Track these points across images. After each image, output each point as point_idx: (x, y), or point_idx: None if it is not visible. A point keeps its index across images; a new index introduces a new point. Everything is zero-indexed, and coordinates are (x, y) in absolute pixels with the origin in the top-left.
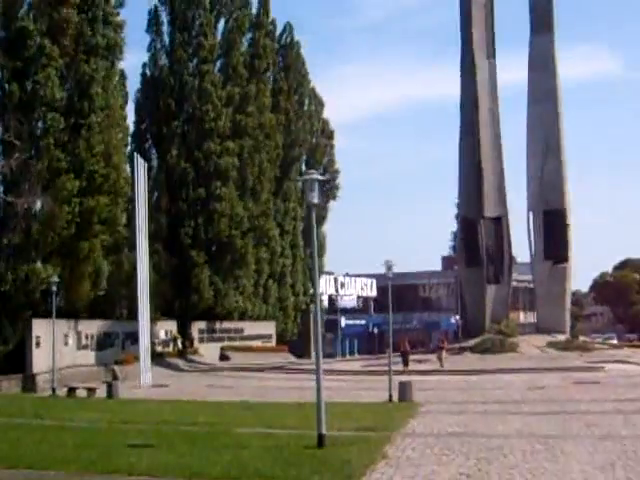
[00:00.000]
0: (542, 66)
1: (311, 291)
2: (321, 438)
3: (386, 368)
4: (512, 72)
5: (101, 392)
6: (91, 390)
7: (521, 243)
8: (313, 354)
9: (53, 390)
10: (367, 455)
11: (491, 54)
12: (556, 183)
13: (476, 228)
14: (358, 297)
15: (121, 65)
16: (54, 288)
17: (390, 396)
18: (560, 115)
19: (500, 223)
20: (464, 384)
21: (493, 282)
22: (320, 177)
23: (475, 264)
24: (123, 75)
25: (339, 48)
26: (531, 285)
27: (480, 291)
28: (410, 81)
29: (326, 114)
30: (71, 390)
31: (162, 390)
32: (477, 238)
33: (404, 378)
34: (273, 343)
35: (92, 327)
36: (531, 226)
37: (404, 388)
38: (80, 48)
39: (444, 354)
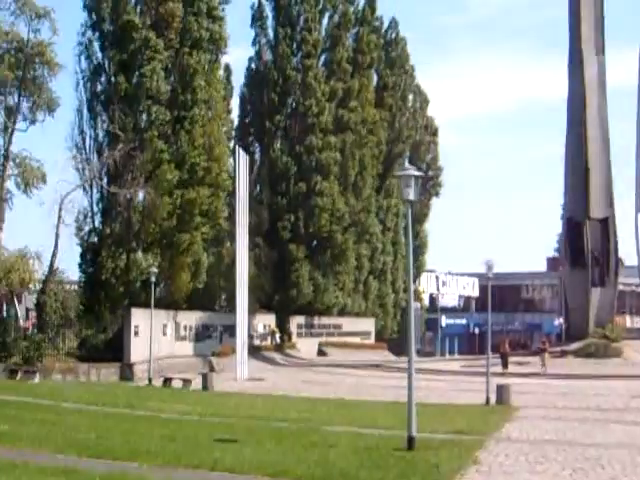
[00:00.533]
0: None
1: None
2: (411, 440)
3: (485, 369)
4: (624, 69)
5: (197, 383)
6: (187, 381)
7: (630, 245)
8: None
9: (149, 380)
10: (457, 460)
11: (600, 50)
12: None
13: (581, 229)
14: (459, 296)
15: (227, 59)
16: (153, 278)
17: (487, 399)
18: None
19: (607, 224)
20: (565, 389)
21: (598, 285)
22: (417, 173)
23: (580, 266)
24: (228, 69)
25: (446, 45)
26: (639, 289)
27: (584, 294)
28: (518, 78)
29: (431, 111)
30: (167, 380)
31: (257, 384)
32: (582, 239)
33: (503, 380)
34: (372, 340)
35: (191, 318)
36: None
37: (502, 391)
38: (184, 41)
39: (547, 356)
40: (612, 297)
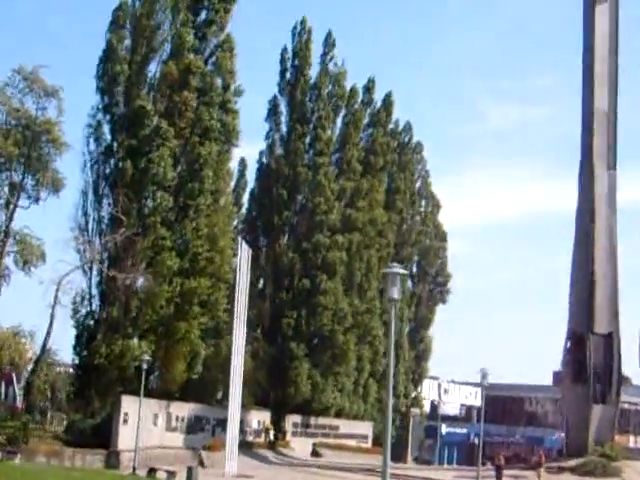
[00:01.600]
0: None
1: (413, 394)
2: None
3: None
4: (636, 185)
5: (182, 476)
6: (171, 473)
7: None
8: (410, 459)
9: (134, 469)
10: None
11: (612, 165)
12: None
13: (584, 343)
14: (461, 405)
15: (243, 153)
16: (145, 366)
17: None
18: None
19: (611, 340)
20: None
21: (600, 401)
22: (402, 271)
23: (582, 381)
24: (244, 163)
25: (462, 153)
26: None
27: (585, 410)
28: (529, 191)
29: (442, 217)
30: (151, 471)
31: None
32: (585, 354)
33: None
34: (369, 444)
35: (183, 409)
36: None
37: None
38: (195, 131)
39: (542, 471)
40: (613, 415)
